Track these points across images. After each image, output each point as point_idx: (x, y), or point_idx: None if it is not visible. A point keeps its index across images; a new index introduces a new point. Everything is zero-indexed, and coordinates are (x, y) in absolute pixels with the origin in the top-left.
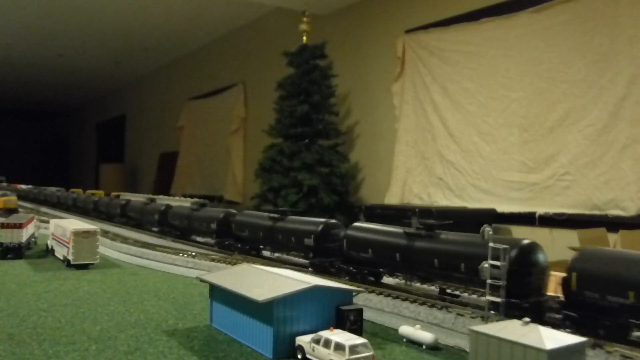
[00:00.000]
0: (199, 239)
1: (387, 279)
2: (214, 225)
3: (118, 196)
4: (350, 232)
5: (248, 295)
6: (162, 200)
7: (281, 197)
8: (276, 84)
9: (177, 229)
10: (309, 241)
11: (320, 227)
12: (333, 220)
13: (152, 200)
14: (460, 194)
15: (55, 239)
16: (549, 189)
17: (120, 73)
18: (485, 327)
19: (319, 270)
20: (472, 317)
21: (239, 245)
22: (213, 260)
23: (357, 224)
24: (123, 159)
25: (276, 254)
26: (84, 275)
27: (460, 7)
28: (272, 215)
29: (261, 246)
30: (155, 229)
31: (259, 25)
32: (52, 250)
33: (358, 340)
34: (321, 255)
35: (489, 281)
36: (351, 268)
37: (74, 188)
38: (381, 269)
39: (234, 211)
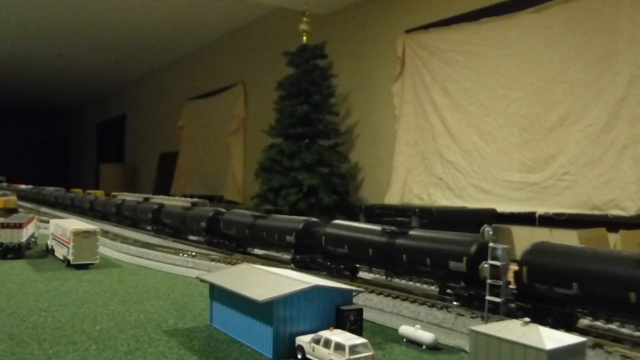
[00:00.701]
0: (259, 252)
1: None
2: (290, 238)
3: (147, 199)
4: (539, 258)
5: (248, 295)
6: (201, 203)
7: (281, 197)
8: (276, 84)
9: (232, 239)
10: (458, 265)
11: (474, 247)
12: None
13: (195, 204)
14: (460, 194)
15: (55, 239)
16: (549, 189)
17: (120, 73)
18: (485, 327)
19: (472, 305)
20: (472, 317)
21: (329, 263)
22: (213, 260)
23: (544, 243)
24: (123, 159)
25: (394, 279)
26: (84, 275)
27: (460, 7)
28: (387, 228)
29: (357, 265)
30: (194, 238)
31: (259, 25)
32: (52, 250)
33: (358, 340)
34: (479, 284)
35: (488, 281)
36: (529, 306)
37: (74, 188)
38: (596, 310)
39: (315, 220)
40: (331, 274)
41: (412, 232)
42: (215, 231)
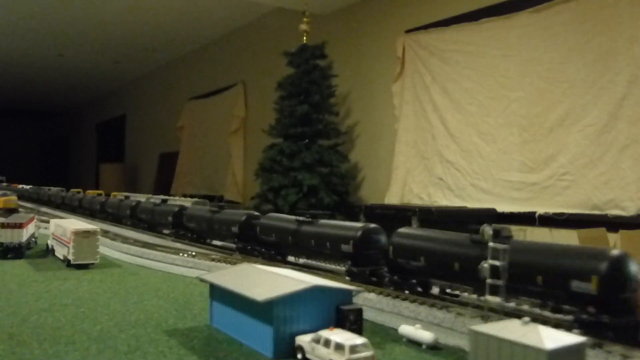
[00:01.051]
0: (304, 261)
1: None
2: (346, 247)
3: (165, 200)
4: None
5: (248, 295)
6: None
7: (281, 197)
8: (276, 84)
9: (270, 246)
10: (584, 286)
11: (604, 265)
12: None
13: (222, 207)
14: (460, 194)
15: (55, 239)
16: (549, 189)
17: (120, 73)
18: (485, 327)
19: (604, 336)
20: (472, 317)
21: (395, 277)
22: (213, 260)
23: None
24: (123, 159)
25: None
26: (84, 275)
27: (460, 7)
28: (477, 238)
29: (432, 281)
30: (220, 244)
31: (259, 25)
32: (53, 250)
33: (358, 339)
34: (615, 310)
35: (488, 281)
36: None
37: (74, 188)
38: None
39: (375, 226)
40: (400, 290)
41: (514, 244)
42: (249, 237)
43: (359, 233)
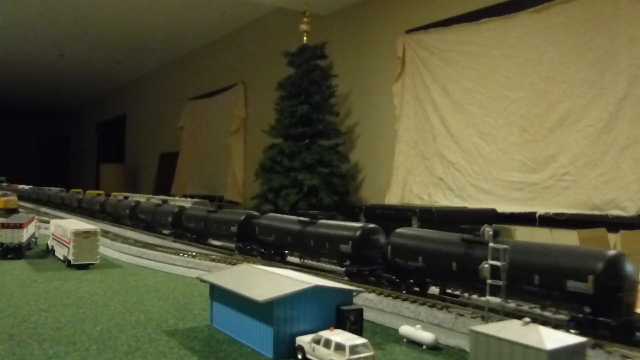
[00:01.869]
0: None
1: None
2: (579, 286)
3: (221, 206)
4: None
5: (248, 296)
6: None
7: (281, 197)
8: (276, 84)
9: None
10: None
11: (600, 264)
12: None
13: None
14: (461, 194)
15: (55, 239)
16: (549, 189)
17: (120, 73)
18: (485, 327)
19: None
20: (472, 317)
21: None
22: (213, 260)
23: None
24: (123, 159)
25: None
26: (84, 276)
27: (460, 7)
28: None
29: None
30: (325, 266)
31: (259, 25)
32: (53, 251)
33: (358, 340)
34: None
35: (489, 281)
36: None
37: (75, 188)
38: None
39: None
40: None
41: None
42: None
43: (601, 265)
